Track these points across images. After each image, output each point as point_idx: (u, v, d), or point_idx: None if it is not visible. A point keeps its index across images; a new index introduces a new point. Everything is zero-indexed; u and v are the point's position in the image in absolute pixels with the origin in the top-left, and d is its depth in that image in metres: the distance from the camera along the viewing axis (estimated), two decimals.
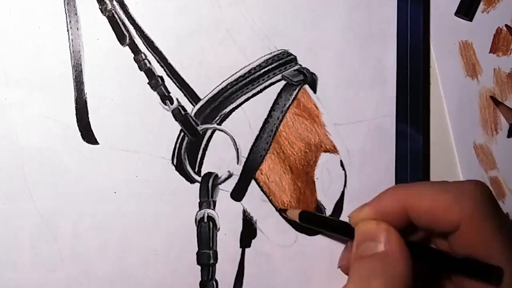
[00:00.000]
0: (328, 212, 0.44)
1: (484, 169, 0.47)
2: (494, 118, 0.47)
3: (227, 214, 0.44)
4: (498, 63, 0.46)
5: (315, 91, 0.45)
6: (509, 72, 0.47)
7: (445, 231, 0.35)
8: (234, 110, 0.44)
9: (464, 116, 0.47)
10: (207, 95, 0.44)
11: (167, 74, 0.43)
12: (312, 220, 0.42)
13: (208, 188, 0.43)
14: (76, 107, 0.42)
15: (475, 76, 0.47)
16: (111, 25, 0.43)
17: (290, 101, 0.44)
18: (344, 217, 0.44)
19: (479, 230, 0.34)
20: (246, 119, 0.44)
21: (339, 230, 0.40)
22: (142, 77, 0.43)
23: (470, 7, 0.46)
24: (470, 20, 0.46)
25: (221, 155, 0.44)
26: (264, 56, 0.44)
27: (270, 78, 0.44)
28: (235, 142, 0.44)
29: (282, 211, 0.44)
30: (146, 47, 0.43)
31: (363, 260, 0.34)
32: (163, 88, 0.43)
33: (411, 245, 0.34)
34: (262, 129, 0.44)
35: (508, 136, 0.47)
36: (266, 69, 0.44)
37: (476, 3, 0.46)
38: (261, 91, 0.44)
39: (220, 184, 0.44)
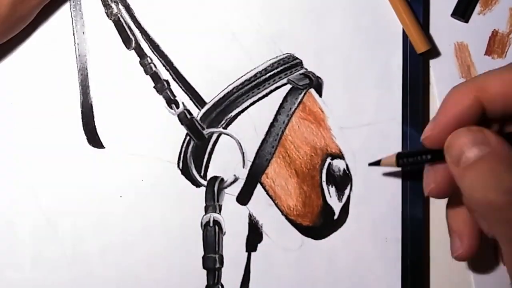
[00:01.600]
0: (335, 216, 0.44)
1: None
2: None
3: (233, 218, 0.44)
4: (493, 66, 0.46)
5: (320, 95, 0.45)
6: None
7: None
8: (239, 114, 0.44)
9: None
10: (212, 99, 0.44)
11: (173, 78, 0.43)
12: (409, 158, 0.40)
13: (214, 192, 0.43)
14: (82, 111, 0.43)
15: (469, 78, 0.47)
16: (117, 29, 0.43)
17: (296, 105, 0.44)
18: (350, 220, 0.44)
19: None
20: (252, 123, 0.44)
21: (437, 156, 0.38)
22: (148, 81, 0.43)
23: (467, 9, 0.46)
24: (466, 21, 0.46)
25: (227, 159, 0.44)
26: (270, 60, 0.44)
27: (276, 82, 0.44)
28: (241, 146, 0.44)
29: (375, 164, 0.42)
30: (152, 51, 0.43)
31: (474, 165, 0.34)
32: (169, 92, 0.43)
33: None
34: (268, 133, 0.44)
35: None
36: (271, 73, 0.44)
37: (472, 5, 0.47)
38: (266, 95, 0.44)
39: (226, 188, 0.44)
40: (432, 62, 0.46)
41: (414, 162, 0.39)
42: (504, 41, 0.47)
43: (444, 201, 0.41)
